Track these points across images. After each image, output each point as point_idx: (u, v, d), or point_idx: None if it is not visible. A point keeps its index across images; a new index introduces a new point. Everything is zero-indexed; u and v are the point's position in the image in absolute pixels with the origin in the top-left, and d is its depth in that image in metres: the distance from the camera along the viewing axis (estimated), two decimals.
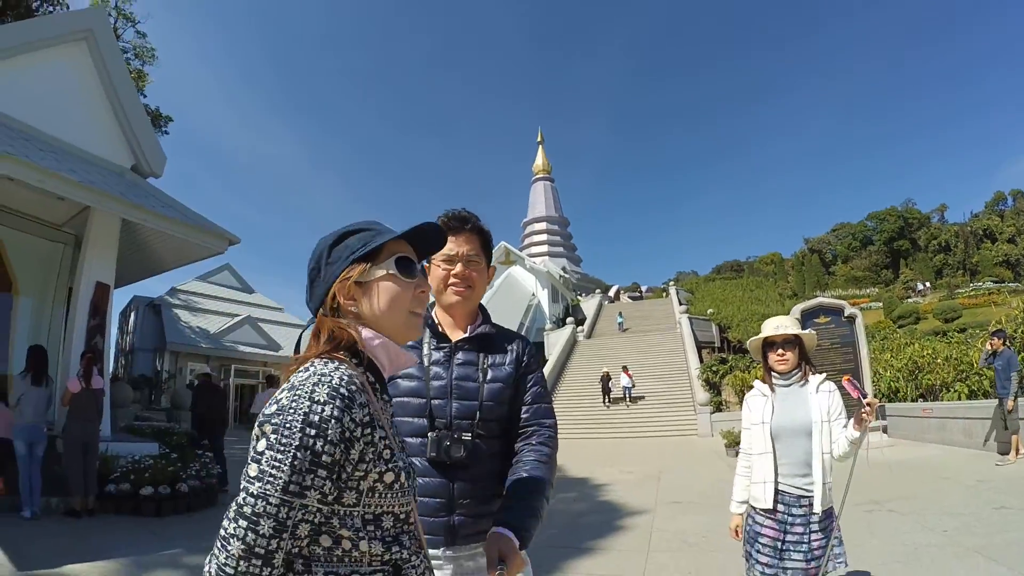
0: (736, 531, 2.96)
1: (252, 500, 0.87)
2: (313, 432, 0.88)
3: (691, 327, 28.21)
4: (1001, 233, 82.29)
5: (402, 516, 1.04)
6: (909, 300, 57.39)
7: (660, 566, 5.14)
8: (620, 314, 35.49)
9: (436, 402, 1.66)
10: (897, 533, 5.70)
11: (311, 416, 0.89)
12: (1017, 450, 8.22)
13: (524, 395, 1.73)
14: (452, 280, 1.74)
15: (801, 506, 2.77)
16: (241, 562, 0.86)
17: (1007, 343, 8.80)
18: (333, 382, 0.94)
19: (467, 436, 1.62)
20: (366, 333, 1.08)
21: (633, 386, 22.39)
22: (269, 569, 0.87)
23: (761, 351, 3.01)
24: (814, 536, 2.74)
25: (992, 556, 4.68)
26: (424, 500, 1.54)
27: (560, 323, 35.81)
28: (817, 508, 2.74)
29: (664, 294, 48.59)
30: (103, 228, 7.72)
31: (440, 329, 1.79)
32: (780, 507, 2.80)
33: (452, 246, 1.72)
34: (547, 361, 27.23)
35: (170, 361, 23.45)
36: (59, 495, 5.98)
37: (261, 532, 0.86)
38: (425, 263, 1.72)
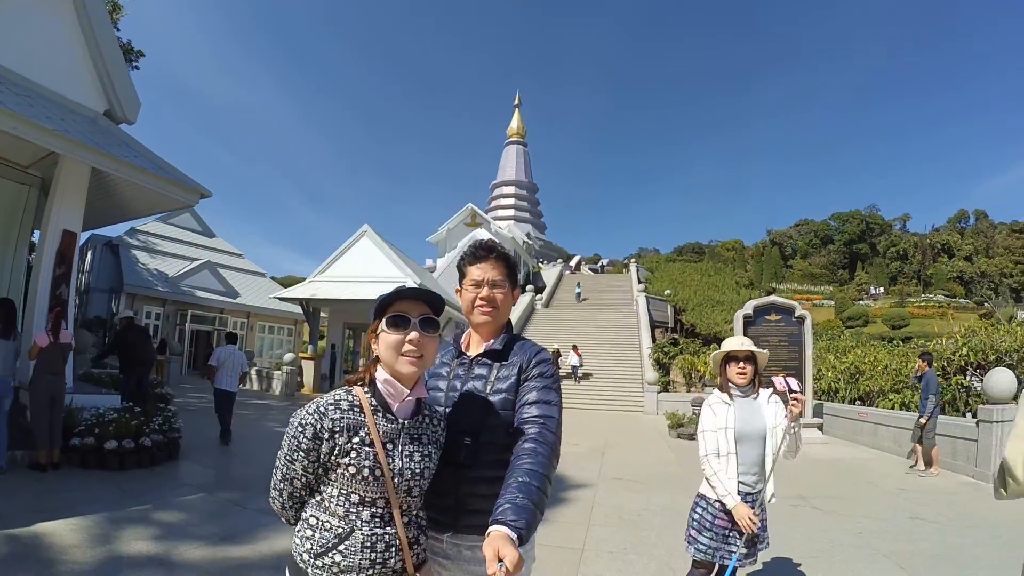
0: (750, 518, 3.15)
1: (277, 460, 1.60)
2: (300, 430, 1.53)
3: (647, 306, 29.06)
4: (959, 250, 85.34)
5: (368, 500, 1.54)
6: (861, 302, 59.74)
7: (599, 540, 5.49)
8: (579, 284, 36.14)
9: (451, 410, 1.87)
10: (818, 529, 6.13)
11: (300, 421, 1.53)
12: (928, 463, 8.86)
13: (525, 395, 1.84)
14: (479, 303, 1.95)
15: (747, 502, 3.18)
16: (272, 491, 1.63)
17: (932, 366, 9.38)
18: (320, 402, 1.55)
19: (468, 440, 1.80)
20: (379, 372, 1.63)
21: (581, 365, 22.88)
22: (282, 499, 1.62)
23: (721, 365, 3.40)
24: (755, 526, 3.19)
25: (900, 563, 5.09)
26: (435, 492, 1.76)
27: (520, 290, 36.20)
28: (772, 500, 3.30)
29: (624, 269, 49.45)
30: (72, 176, 7.45)
31: (464, 347, 2.03)
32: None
33: (479, 272, 1.96)
34: None
35: (126, 303, 22.84)
36: (23, 448, 5.95)
37: (278, 477, 1.60)
38: (457, 287, 2.08)
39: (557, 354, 22.61)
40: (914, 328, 45.81)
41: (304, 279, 21.85)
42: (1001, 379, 7.94)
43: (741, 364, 3.32)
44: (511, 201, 59.28)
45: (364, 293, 19.11)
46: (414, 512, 1.68)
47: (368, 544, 1.53)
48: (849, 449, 11.90)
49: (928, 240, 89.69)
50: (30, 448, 5.88)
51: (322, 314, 22.64)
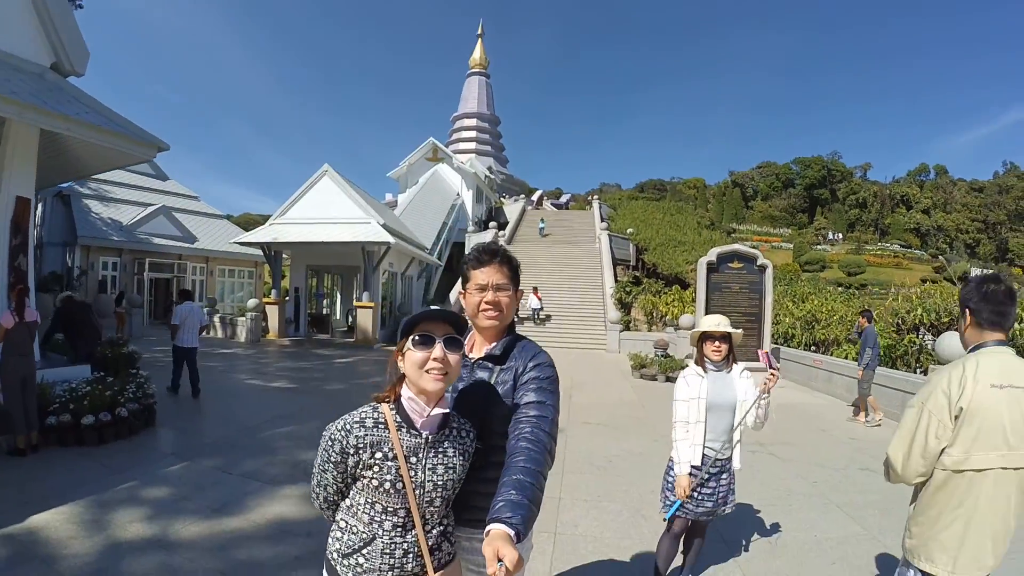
0: (686, 490, 3.49)
1: (313, 466, 1.79)
2: (329, 444, 1.69)
3: (610, 244, 29.41)
4: (918, 203, 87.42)
5: (391, 509, 1.67)
6: (819, 247, 61.07)
7: (573, 487, 5.76)
8: (542, 220, 36.34)
9: (456, 412, 1.90)
10: (775, 477, 6.51)
11: (330, 436, 1.70)
12: (873, 411, 9.49)
13: (521, 397, 1.89)
14: (484, 307, 1.99)
15: (715, 465, 3.52)
16: (311, 492, 1.83)
17: (871, 322, 9.93)
18: (348, 419, 1.69)
19: (479, 445, 1.89)
20: (404, 391, 1.74)
21: (542, 308, 23.06)
22: (319, 501, 1.81)
23: (698, 341, 3.63)
24: (721, 487, 3.59)
25: (851, 514, 5.48)
26: None
27: (483, 225, 36.15)
28: (737, 465, 3.64)
29: (587, 206, 49.50)
30: (21, 138, 6.96)
31: (468, 348, 2.06)
32: (702, 465, 3.52)
33: (483, 276, 2.00)
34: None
35: (81, 256, 21.91)
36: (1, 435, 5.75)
37: (314, 483, 1.80)
38: (461, 291, 2.11)
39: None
40: (869, 276, 47.23)
41: (261, 217, 21.32)
42: (953, 342, 8.37)
43: (717, 343, 3.53)
44: (472, 134, 57.10)
45: (327, 235, 18.81)
46: (438, 519, 1.79)
47: (388, 551, 1.68)
48: (804, 394, 12.47)
49: (888, 190, 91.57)
50: (7, 433, 5.70)
51: (284, 255, 22.27)
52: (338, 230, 19.00)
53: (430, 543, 1.74)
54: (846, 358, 13.04)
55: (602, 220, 35.90)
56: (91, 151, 8.42)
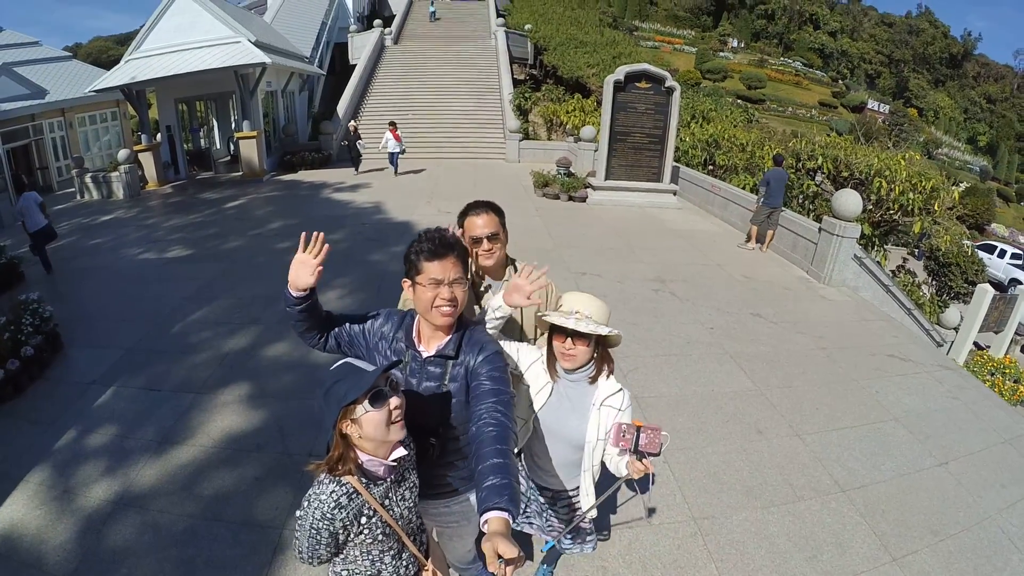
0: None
1: (299, 542, 1.78)
2: (315, 532, 1.72)
3: (507, 42, 27.69)
4: (826, 24, 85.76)
5: (385, 548, 1.87)
6: (721, 54, 59.75)
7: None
8: (433, 3, 33.72)
9: (412, 409, 1.92)
10: (676, 322, 6.91)
11: (312, 525, 1.71)
12: (752, 239, 10.45)
13: (477, 389, 1.94)
14: (440, 303, 1.91)
15: (558, 500, 2.60)
16: (307, 558, 1.79)
17: (780, 166, 10.52)
18: (322, 507, 1.70)
19: (433, 441, 2.03)
20: (363, 457, 1.77)
21: (403, 151, 17.15)
22: (316, 564, 1.82)
23: (549, 332, 2.32)
24: (557, 519, 2.64)
25: (742, 365, 5.97)
26: None
27: (366, 23, 32.61)
28: (587, 513, 2.52)
29: None
30: None
31: (416, 338, 2.06)
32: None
33: (439, 271, 1.89)
34: (354, 68, 25.19)
35: None
36: None
37: (307, 554, 1.78)
38: (407, 281, 1.98)
39: (353, 133, 17.67)
40: (769, 91, 47.41)
41: (114, 41, 18.18)
42: (850, 200, 8.77)
43: (569, 341, 2.23)
44: None
45: (193, 63, 16.36)
46: (416, 525, 2.03)
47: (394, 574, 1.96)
48: (700, 219, 12.78)
49: (797, 6, 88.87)
50: None
51: (148, 91, 19.59)
52: (205, 55, 16.45)
53: (417, 546, 2.00)
54: (743, 188, 13.37)
55: (498, 15, 33.16)
56: None
